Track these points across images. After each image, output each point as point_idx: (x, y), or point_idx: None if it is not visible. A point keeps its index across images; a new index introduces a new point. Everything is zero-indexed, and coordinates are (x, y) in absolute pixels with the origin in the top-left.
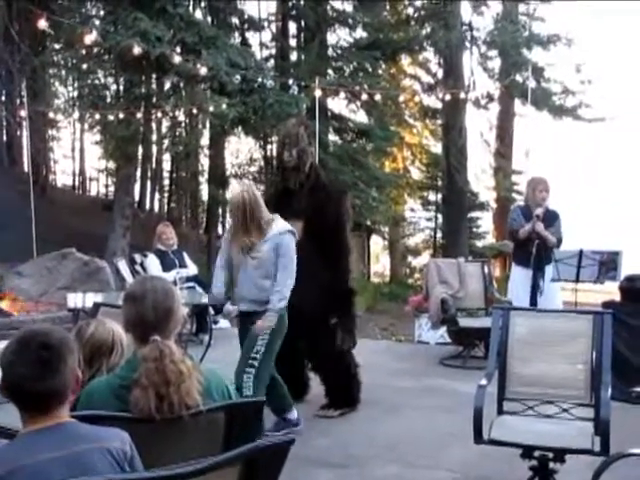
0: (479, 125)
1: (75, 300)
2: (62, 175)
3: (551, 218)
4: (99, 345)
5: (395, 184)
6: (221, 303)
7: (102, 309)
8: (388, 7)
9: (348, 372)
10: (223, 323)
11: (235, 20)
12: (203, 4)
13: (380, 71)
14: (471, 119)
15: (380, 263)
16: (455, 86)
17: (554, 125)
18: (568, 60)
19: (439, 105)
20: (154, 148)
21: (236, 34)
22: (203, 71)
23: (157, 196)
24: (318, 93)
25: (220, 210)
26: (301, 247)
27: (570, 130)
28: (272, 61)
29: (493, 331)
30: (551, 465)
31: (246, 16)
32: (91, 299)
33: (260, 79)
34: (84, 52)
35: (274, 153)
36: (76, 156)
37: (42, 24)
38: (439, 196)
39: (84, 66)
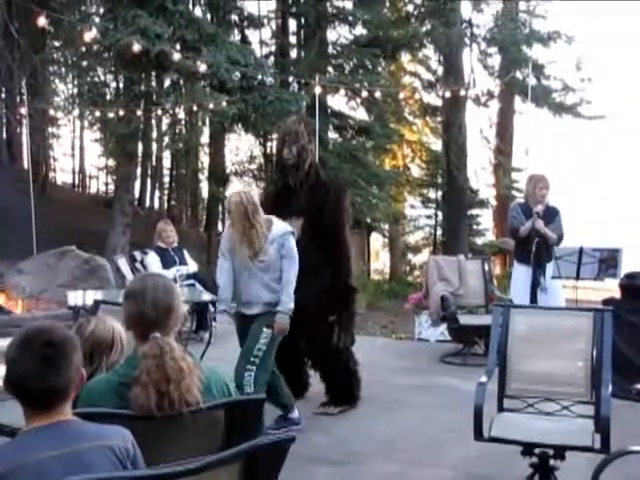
0: (479, 122)
1: (75, 298)
2: (62, 173)
3: (551, 214)
4: (99, 342)
5: (395, 181)
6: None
7: (102, 306)
8: (388, 4)
9: (348, 369)
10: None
11: (235, 17)
12: (203, 1)
13: (380, 68)
14: (471, 116)
15: (380, 260)
16: (455, 83)
17: (554, 122)
18: (568, 57)
19: (439, 102)
20: (154, 146)
21: (236, 31)
22: (203, 68)
23: (157, 194)
24: (318, 90)
25: (220, 208)
26: (301, 245)
27: (570, 127)
28: (272, 58)
29: (493, 328)
30: (551, 462)
31: (246, 13)
32: (91, 297)
33: (260, 76)
34: (84, 49)
35: (274, 151)
36: (76, 154)
37: (42, 21)
38: (439, 193)
39: (84, 63)
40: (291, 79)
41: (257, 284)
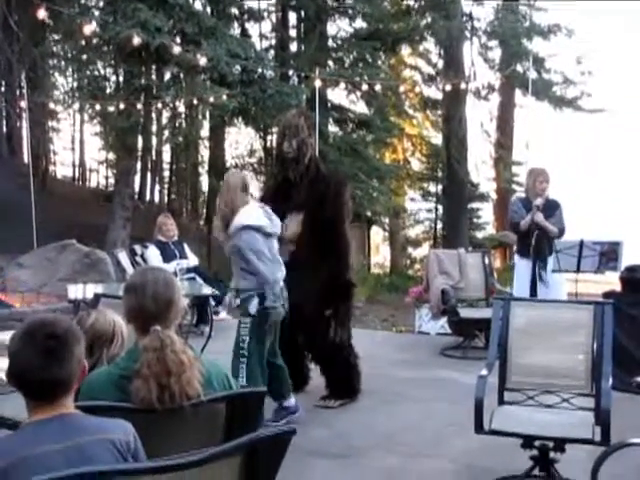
0: (479, 116)
1: (76, 291)
2: (62, 166)
3: (552, 208)
4: (99, 335)
5: (395, 175)
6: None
7: (103, 300)
8: None
9: (348, 363)
10: (223, 314)
11: (235, 10)
12: None
13: (380, 62)
14: (471, 110)
15: (380, 254)
16: (455, 77)
17: (554, 116)
18: (568, 51)
19: (439, 96)
20: (154, 139)
21: (236, 25)
22: (203, 62)
23: (157, 187)
24: (318, 84)
25: None
26: (301, 239)
27: (570, 121)
28: (272, 52)
29: (494, 322)
30: (552, 455)
31: (246, 7)
32: (91, 290)
33: (260, 70)
34: (84, 43)
35: (274, 144)
36: (76, 147)
37: (41, 14)
38: (439, 187)
39: (84, 57)
40: (291, 72)
41: (235, 269)
